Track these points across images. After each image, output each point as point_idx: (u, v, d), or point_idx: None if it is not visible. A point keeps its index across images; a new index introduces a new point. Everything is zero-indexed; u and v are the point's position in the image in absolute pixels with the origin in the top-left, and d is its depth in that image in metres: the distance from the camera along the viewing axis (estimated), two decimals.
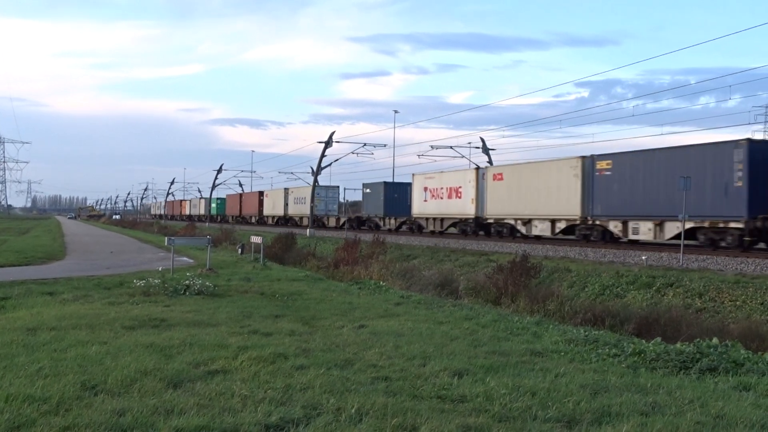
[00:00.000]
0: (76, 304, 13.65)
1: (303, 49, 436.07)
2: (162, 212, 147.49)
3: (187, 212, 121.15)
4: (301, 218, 68.18)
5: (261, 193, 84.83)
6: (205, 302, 13.70)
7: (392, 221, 52.40)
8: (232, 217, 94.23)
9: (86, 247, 38.77)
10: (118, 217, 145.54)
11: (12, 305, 14.08)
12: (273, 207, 77.67)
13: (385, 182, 54.58)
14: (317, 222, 61.83)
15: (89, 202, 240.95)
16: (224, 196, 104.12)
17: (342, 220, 59.59)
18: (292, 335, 9.93)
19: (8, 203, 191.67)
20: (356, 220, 58.23)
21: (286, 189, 74.64)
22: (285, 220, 72.74)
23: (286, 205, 73.20)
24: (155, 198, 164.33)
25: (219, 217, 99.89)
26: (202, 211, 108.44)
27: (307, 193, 62.46)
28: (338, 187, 68.62)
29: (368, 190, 56.23)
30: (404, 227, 50.76)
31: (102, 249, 36.51)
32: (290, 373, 7.41)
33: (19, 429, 5.49)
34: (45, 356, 8.10)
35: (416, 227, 47.97)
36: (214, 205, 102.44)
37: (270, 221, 78.86)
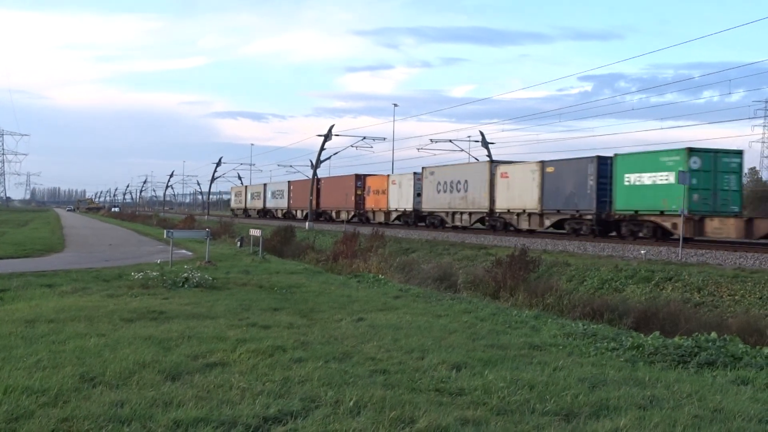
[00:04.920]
0: (74, 296, 13.65)
1: (306, 42, 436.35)
2: (266, 204, 73.07)
3: (389, 206, 49.65)
4: None
5: None
6: (203, 295, 13.70)
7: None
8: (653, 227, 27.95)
9: (85, 239, 38.72)
10: (117, 209, 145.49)
11: (11, 297, 14.08)
12: None
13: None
14: None
15: (88, 195, 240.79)
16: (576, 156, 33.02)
17: None
18: (291, 328, 9.94)
19: (7, 195, 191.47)
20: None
21: None
22: None
23: None
24: (237, 180, 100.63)
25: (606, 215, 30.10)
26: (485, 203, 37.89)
27: None
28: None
29: None
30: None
31: (101, 241, 36.47)
32: (288, 366, 7.41)
33: (18, 420, 5.49)
34: (43, 348, 8.10)
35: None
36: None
37: None
